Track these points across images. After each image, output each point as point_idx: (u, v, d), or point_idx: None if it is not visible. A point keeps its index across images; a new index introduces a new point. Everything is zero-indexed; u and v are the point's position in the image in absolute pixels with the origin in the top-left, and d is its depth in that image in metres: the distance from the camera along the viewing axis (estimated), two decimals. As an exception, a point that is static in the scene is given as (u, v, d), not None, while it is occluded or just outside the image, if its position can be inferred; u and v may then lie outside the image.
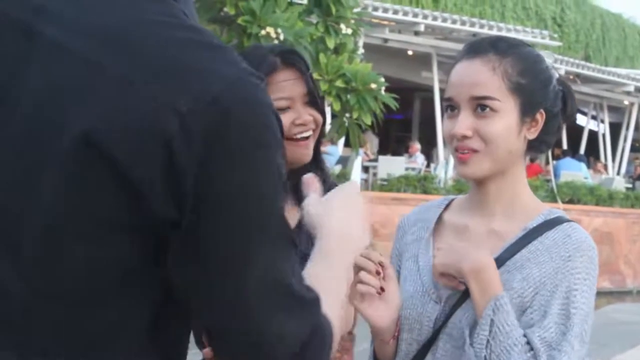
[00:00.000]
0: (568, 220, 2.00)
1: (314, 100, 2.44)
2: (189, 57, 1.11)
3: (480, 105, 1.94)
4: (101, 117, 1.07)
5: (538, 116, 1.99)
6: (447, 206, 2.15)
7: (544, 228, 1.97)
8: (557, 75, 2.06)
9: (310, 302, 1.22)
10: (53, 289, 1.13)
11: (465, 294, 1.95)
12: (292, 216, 2.50)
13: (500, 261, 1.95)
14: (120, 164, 1.07)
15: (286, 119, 2.37)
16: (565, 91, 2.05)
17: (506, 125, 1.95)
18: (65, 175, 1.09)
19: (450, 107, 2.00)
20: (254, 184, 1.12)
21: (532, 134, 1.99)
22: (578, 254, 1.91)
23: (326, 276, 1.33)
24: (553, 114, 2.01)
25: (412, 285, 2.05)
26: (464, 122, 1.95)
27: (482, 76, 1.96)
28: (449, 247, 1.97)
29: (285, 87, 2.40)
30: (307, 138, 2.43)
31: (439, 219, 2.13)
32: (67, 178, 1.09)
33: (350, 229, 1.45)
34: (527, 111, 1.97)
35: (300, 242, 2.49)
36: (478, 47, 2.01)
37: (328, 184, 2.57)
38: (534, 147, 2.04)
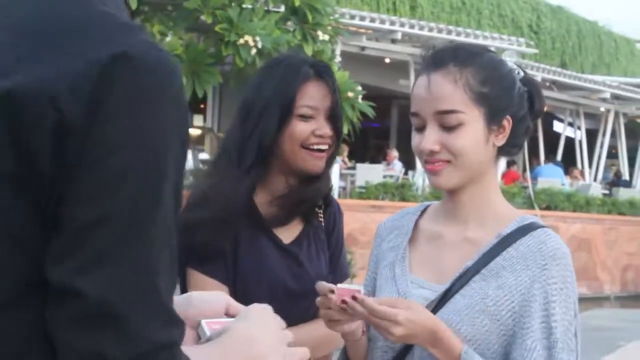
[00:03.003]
0: (542, 226, 2.00)
1: (335, 117, 2.49)
2: (90, 29, 1.15)
3: (446, 119, 1.94)
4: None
5: (505, 123, 1.98)
6: (423, 213, 2.15)
7: (518, 234, 1.97)
8: (521, 75, 2.04)
9: (175, 321, 1.16)
10: None
11: (440, 303, 1.95)
12: (294, 228, 2.53)
13: (475, 269, 1.95)
14: (15, 124, 1.09)
15: (307, 127, 2.44)
16: (530, 90, 2.04)
17: (473, 137, 1.94)
18: None
19: (418, 123, 1.99)
20: (140, 147, 1.11)
21: (500, 141, 1.99)
22: (554, 262, 1.91)
23: None
24: (520, 118, 2.00)
25: (388, 293, 2.05)
26: (431, 137, 1.95)
27: (445, 89, 1.94)
28: (395, 320, 1.82)
29: (313, 97, 2.46)
30: (323, 151, 2.47)
31: (415, 226, 2.13)
32: None
33: (256, 340, 1.41)
34: (492, 120, 1.96)
35: (301, 252, 2.50)
36: (439, 59, 1.98)
37: (329, 198, 2.62)
38: (504, 151, 2.04)
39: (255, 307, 1.51)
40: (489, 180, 2.03)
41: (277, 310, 2.43)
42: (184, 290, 2.46)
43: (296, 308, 2.44)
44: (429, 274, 2.03)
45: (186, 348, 1.27)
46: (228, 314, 1.52)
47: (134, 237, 1.11)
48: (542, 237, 1.95)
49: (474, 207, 2.02)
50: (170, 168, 1.14)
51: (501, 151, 2.02)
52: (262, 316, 1.47)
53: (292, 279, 2.46)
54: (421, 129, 1.98)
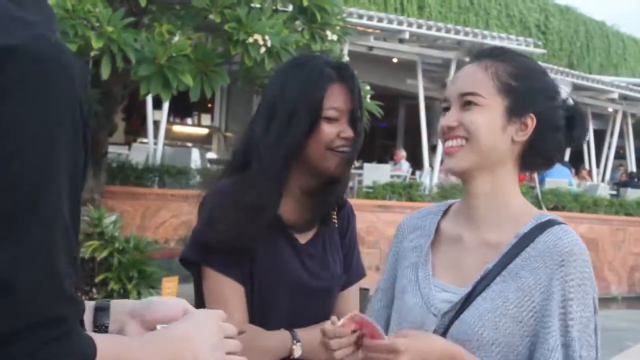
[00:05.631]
0: (559, 223, 2.01)
1: (357, 120, 2.50)
2: None
3: (466, 99, 2.00)
4: None
5: (528, 120, 2.00)
6: (445, 213, 2.17)
7: (536, 232, 1.98)
8: (569, 102, 2.07)
9: (69, 298, 1.22)
10: None
11: (463, 306, 1.96)
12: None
13: (496, 271, 1.96)
14: None
15: (333, 129, 2.44)
16: (575, 116, 2.06)
17: (488, 119, 1.98)
18: None
19: (445, 106, 2.06)
20: (24, 133, 1.18)
21: (520, 137, 2.00)
22: (571, 259, 1.92)
23: (133, 348, 1.36)
24: (549, 125, 2.02)
25: (412, 297, 2.06)
26: (451, 116, 2.01)
27: (474, 75, 2.02)
28: (394, 350, 1.82)
29: (338, 99, 2.46)
30: (346, 153, 2.47)
31: (437, 228, 2.14)
32: None
33: (189, 339, 1.45)
34: (513, 112, 2.00)
35: (316, 252, 2.51)
36: (479, 54, 2.08)
37: (343, 200, 2.63)
38: (530, 161, 2.05)
39: (202, 311, 1.55)
40: (506, 179, 2.04)
41: (295, 309, 2.45)
42: (198, 287, 2.46)
43: (312, 307, 2.47)
44: (451, 277, 2.04)
45: (108, 335, 1.36)
46: None
47: (26, 215, 1.17)
48: (559, 234, 1.96)
49: (490, 207, 2.04)
50: (60, 153, 1.20)
51: (527, 160, 2.04)
52: (204, 320, 1.50)
53: (309, 278, 2.47)
54: (447, 111, 2.05)
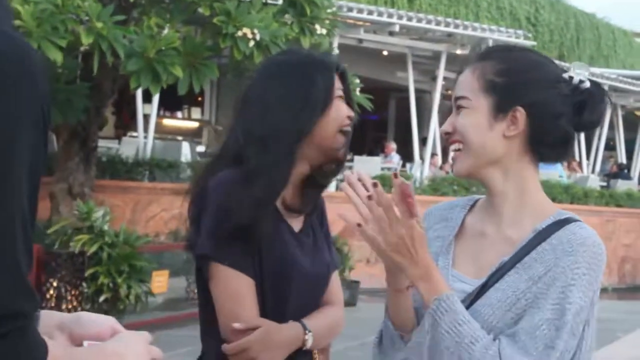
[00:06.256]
0: (577, 220, 2.03)
1: (352, 101, 2.54)
2: None
3: (457, 104, 2.05)
4: None
5: (517, 114, 2.00)
6: (471, 207, 2.19)
7: (553, 229, 2.00)
8: (584, 85, 2.05)
9: (29, 294, 1.23)
10: None
11: (477, 296, 1.99)
12: (300, 217, 2.53)
13: (511, 263, 1.99)
14: None
15: (345, 108, 2.47)
16: (586, 99, 2.04)
17: (474, 120, 2.02)
18: None
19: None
20: None
21: (512, 132, 2.01)
22: (581, 249, 1.93)
23: None
24: (546, 114, 2.01)
25: None
26: (448, 121, 2.07)
27: (464, 79, 2.07)
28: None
29: (337, 82, 2.48)
30: (349, 132, 2.49)
31: (462, 221, 2.17)
32: None
33: (120, 356, 1.45)
34: (499, 108, 2.01)
35: (309, 239, 2.50)
36: (473, 57, 2.13)
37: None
38: (539, 152, 2.05)
39: (130, 332, 1.56)
40: (522, 178, 2.06)
41: (300, 298, 2.44)
42: (204, 282, 2.42)
43: (313, 294, 2.49)
44: (469, 269, 2.08)
45: (52, 341, 1.34)
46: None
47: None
48: (574, 229, 1.98)
49: (509, 205, 2.06)
50: (21, 150, 1.20)
51: (536, 152, 2.05)
52: (134, 341, 1.51)
53: (309, 266, 2.46)
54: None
